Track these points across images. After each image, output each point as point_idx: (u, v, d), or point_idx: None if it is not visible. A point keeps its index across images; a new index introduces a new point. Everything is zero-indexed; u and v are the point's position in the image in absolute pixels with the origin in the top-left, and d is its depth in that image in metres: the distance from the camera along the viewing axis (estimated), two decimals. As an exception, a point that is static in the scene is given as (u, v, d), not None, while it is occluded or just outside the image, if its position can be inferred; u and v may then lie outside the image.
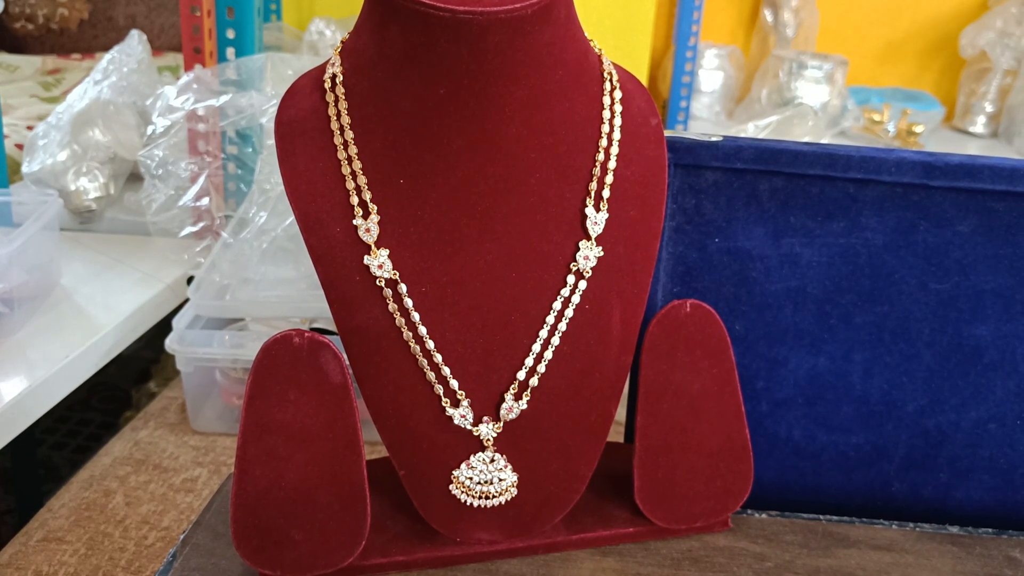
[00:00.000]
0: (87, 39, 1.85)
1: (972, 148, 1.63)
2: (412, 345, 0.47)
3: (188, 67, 1.01)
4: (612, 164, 0.49)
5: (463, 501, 0.50)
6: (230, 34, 1.02)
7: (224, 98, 0.96)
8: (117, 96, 1.08)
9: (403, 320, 0.47)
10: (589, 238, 0.48)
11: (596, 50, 0.51)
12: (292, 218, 0.87)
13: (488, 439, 0.49)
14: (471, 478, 0.49)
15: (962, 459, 0.59)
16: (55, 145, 1.03)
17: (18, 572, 0.66)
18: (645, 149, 0.51)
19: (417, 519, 0.51)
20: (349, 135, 0.47)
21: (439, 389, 0.48)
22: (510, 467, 0.50)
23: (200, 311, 0.84)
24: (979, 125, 1.70)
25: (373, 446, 0.78)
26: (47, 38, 1.84)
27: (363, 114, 0.47)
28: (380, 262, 0.46)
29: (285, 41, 1.44)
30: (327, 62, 0.49)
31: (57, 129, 1.04)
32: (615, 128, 0.50)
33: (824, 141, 1.44)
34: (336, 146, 0.47)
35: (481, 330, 0.48)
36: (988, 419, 0.59)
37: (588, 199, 0.49)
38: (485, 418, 0.49)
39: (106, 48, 1.33)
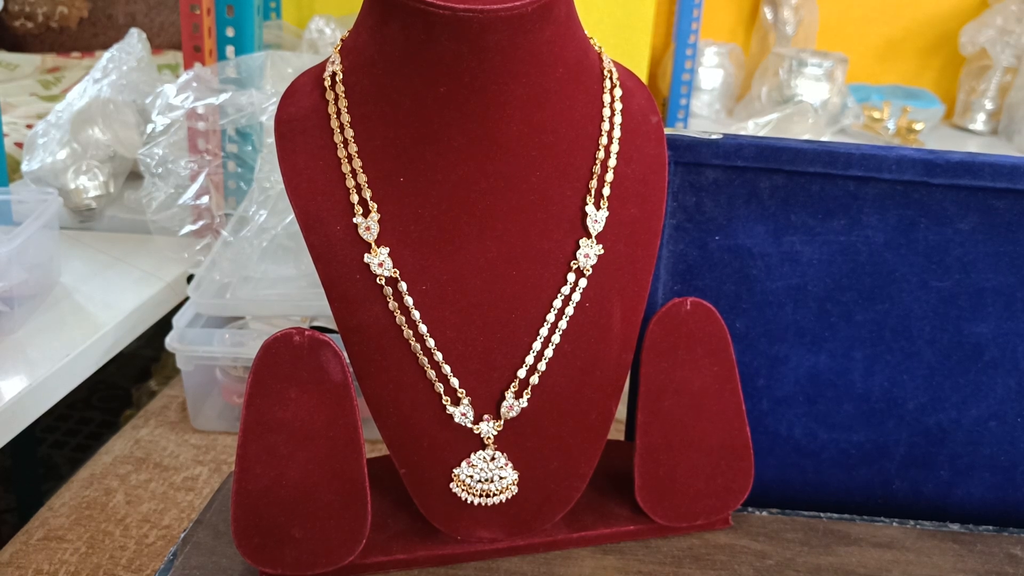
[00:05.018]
0: (87, 37, 1.85)
1: (972, 146, 1.63)
2: (412, 343, 0.47)
3: (188, 65, 1.01)
4: (612, 162, 0.49)
5: (464, 499, 0.50)
6: (230, 32, 1.02)
7: (224, 96, 0.96)
8: (117, 94, 1.08)
9: (403, 318, 0.47)
10: (589, 236, 0.48)
11: (596, 48, 0.51)
12: (292, 216, 0.87)
13: (488, 437, 0.49)
14: (472, 476, 0.49)
15: (963, 457, 0.59)
16: (55, 143, 1.03)
17: (19, 571, 0.66)
18: (645, 147, 0.51)
19: (418, 517, 0.51)
20: (349, 133, 0.47)
21: (439, 387, 0.48)
22: (510, 465, 0.50)
23: (200, 309, 0.84)
24: (979, 123, 1.70)
25: (374, 444, 0.78)
26: (47, 36, 1.84)
27: (363, 112, 0.47)
28: (380, 260, 0.46)
29: (285, 39, 1.44)
30: (327, 60, 0.49)
31: (57, 127, 1.04)
32: (615, 126, 0.50)
33: (824, 139, 1.44)
34: (336, 144, 0.47)
35: (481, 328, 0.48)
36: (989, 417, 0.59)
37: (588, 197, 0.48)
38: (486, 416, 0.49)
39: (106, 46, 1.32)
